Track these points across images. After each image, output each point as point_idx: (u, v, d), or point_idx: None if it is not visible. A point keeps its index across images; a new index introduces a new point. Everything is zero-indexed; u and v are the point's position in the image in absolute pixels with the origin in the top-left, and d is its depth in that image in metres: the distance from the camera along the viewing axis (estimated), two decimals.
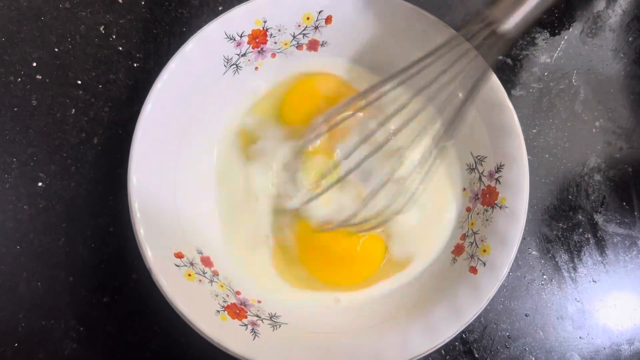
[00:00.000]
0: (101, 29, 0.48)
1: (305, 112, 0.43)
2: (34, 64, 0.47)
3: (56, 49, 0.47)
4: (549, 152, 0.48)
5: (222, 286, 0.39)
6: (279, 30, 0.42)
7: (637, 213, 0.47)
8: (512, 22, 0.36)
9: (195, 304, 0.36)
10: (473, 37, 0.37)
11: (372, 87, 0.40)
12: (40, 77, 0.46)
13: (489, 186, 0.40)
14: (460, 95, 0.41)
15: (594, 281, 0.45)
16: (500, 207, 0.39)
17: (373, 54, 0.44)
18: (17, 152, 0.45)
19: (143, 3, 0.49)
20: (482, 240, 0.39)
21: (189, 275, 0.37)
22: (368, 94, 0.40)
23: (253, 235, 0.43)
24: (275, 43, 0.43)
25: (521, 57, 0.50)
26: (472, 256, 0.39)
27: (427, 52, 0.38)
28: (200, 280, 0.38)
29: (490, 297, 0.37)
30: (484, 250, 0.38)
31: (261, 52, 0.43)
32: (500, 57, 0.49)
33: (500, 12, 0.36)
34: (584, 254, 0.46)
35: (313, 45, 0.44)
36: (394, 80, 0.39)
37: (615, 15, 0.51)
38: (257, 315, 0.38)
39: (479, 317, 0.37)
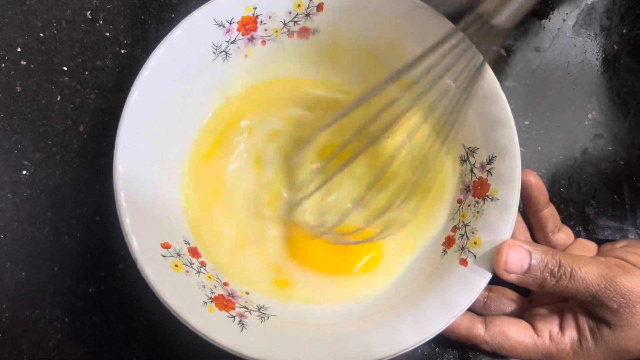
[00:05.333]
0: (87, 14, 0.47)
1: None
2: (19, 49, 0.46)
3: (41, 34, 0.46)
4: (541, 144, 0.47)
5: (209, 277, 0.38)
6: (269, 17, 0.42)
7: (629, 206, 0.47)
8: (504, 13, 0.35)
9: (181, 295, 0.35)
10: (466, 30, 0.37)
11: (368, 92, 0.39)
12: (24, 62, 0.45)
13: (480, 178, 0.40)
14: (455, 91, 0.40)
15: None
16: (491, 199, 0.39)
17: (365, 43, 0.44)
18: (1, 140, 0.44)
19: None
20: (472, 233, 0.39)
21: (176, 266, 0.37)
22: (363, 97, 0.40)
23: (240, 226, 0.42)
24: (266, 30, 0.42)
25: (514, 48, 0.49)
26: (462, 248, 0.39)
27: (425, 49, 0.37)
28: (187, 271, 0.37)
29: (481, 290, 0.37)
30: (475, 243, 0.38)
31: (251, 39, 0.42)
32: (494, 48, 0.49)
33: (492, 4, 0.35)
34: None
35: (304, 33, 0.43)
36: (389, 81, 0.39)
37: (610, 6, 0.51)
38: (245, 307, 0.38)
39: (469, 309, 0.37)
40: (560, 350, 0.38)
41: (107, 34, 0.47)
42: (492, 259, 0.37)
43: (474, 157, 0.41)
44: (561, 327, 0.38)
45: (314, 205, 0.43)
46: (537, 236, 0.43)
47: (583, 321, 0.38)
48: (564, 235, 0.43)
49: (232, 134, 0.44)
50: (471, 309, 0.38)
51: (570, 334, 0.38)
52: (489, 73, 0.40)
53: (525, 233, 0.43)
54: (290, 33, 0.43)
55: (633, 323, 0.36)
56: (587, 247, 0.43)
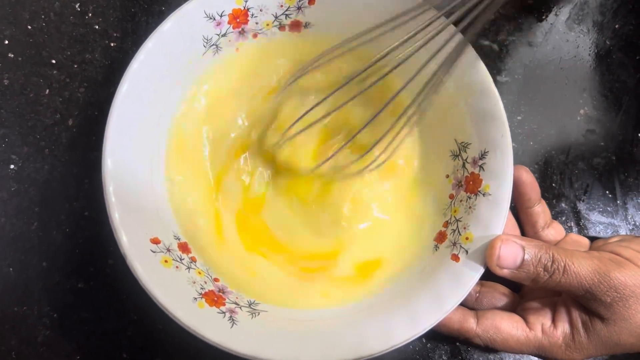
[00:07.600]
0: (76, 6, 0.46)
1: None
2: (6, 42, 0.45)
3: (29, 27, 0.45)
4: (533, 139, 0.47)
5: (199, 273, 0.38)
6: (260, 10, 0.41)
7: (620, 201, 0.47)
8: None
9: (171, 291, 0.35)
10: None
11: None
12: (12, 55, 0.45)
13: (472, 173, 0.40)
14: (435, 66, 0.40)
15: None
16: (483, 195, 0.39)
17: (358, 37, 0.43)
18: None
19: None
20: (464, 228, 0.39)
21: (166, 261, 0.37)
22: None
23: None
24: (257, 23, 0.42)
25: (507, 42, 0.49)
26: (454, 244, 0.39)
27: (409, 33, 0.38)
28: (177, 267, 0.37)
29: (472, 286, 0.37)
30: (467, 238, 0.38)
31: (242, 32, 0.42)
32: (487, 43, 0.49)
33: None
34: None
35: (296, 26, 0.43)
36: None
37: (602, 2, 0.51)
38: (236, 303, 0.38)
39: (461, 304, 0.37)
40: (553, 344, 0.38)
41: (97, 27, 0.46)
42: (485, 254, 0.37)
43: (466, 152, 0.41)
44: (554, 321, 0.38)
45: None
46: (528, 232, 0.43)
47: (576, 315, 0.38)
48: (554, 231, 0.43)
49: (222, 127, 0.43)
50: (463, 304, 0.38)
51: (563, 327, 0.38)
52: (480, 67, 0.39)
53: (515, 229, 0.43)
54: (281, 26, 0.43)
55: (626, 317, 0.36)
56: (578, 242, 0.43)
